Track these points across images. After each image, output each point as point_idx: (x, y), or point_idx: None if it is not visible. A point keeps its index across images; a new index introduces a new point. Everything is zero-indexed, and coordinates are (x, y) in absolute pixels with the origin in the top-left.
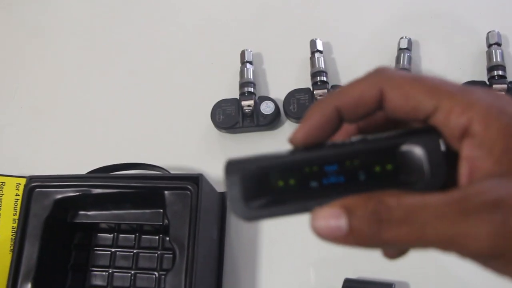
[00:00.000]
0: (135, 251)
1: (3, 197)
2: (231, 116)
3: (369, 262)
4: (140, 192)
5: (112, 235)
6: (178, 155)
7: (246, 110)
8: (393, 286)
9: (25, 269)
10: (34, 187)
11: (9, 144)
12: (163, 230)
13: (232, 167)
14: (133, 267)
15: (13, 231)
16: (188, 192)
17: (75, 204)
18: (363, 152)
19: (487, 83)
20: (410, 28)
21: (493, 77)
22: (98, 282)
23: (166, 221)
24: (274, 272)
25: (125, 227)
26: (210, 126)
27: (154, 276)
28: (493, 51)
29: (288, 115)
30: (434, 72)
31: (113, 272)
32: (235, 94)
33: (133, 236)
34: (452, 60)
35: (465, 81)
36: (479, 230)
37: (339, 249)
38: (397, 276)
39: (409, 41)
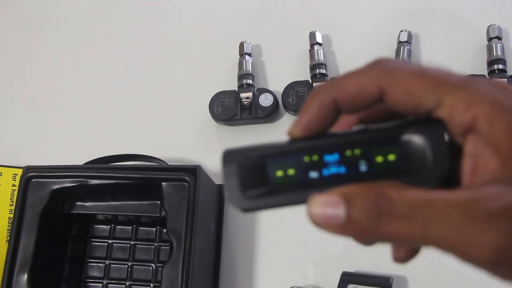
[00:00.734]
0: (132, 242)
1: None
2: (230, 108)
3: (367, 256)
4: (137, 183)
5: (109, 226)
6: (176, 147)
7: (245, 102)
8: (390, 280)
9: (21, 260)
10: (30, 177)
11: (6, 134)
12: (160, 221)
13: (230, 156)
14: (130, 258)
15: (10, 222)
16: (186, 183)
17: (72, 195)
18: (364, 141)
19: (487, 77)
20: (410, 21)
21: (493, 71)
22: (94, 273)
23: (163, 212)
24: (271, 265)
25: (122, 219)
26: (208, 118)
27: (151, 268)
28: (494, 45)
29: (287, 108)
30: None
31: (109, 263)
32: (234, 86)
33: (130, 227)
34: (452, 54)
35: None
36: (484, 239)
37: (337, 243)
38: (394, 270)
39: (409, 34)
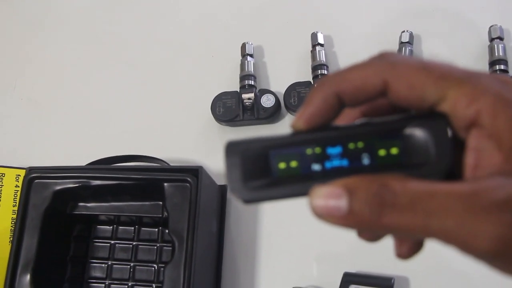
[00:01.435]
0: (134, 243)
1: (2, 188)
2: (232, 109)
3: (368, 256)
4: (139, 184)
5: (111, 227)
6: (178, 148)
7: (247, 103)
8: (392, 281)
9: (24, 260)
10: (33, 178)
11: (9, 135)
12: (163, 222)
13: (233, 147)
14: (132, 259)
15: (13, 222)
16: (188, 184)
17: (74, 195)
18: (367, 134)
19: None
20: (412, 22)
21: (495, 71)
22: (97, 274)
23: (165, 213)
24: (273, 265)
25: (125, 219)
26: (210, 119)
27: (153, 268)
28: (495, 45)
29: (289, 108)
30: None
31: (112, 264)
32: (236, 87)
33: (133, 228)
34: (453, 54)
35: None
36: (486, 230)
37: (339, 243)
38: (396, 271)
39: (411, 35)
